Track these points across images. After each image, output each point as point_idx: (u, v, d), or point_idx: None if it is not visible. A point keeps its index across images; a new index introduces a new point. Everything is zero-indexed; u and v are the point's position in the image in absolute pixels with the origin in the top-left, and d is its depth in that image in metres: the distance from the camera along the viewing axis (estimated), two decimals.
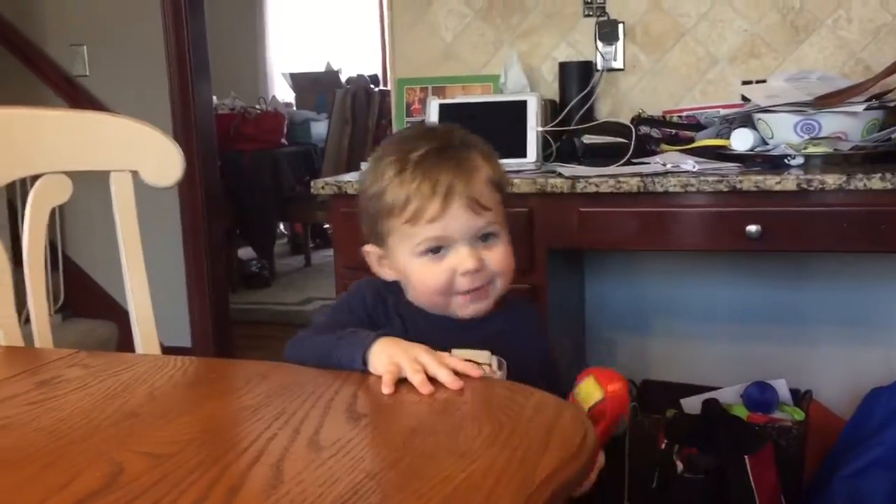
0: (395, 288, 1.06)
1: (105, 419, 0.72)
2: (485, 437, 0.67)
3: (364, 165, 1.10)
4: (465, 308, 1.03)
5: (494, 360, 0.98)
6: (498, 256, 1.03)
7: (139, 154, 1.22)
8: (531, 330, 1.13)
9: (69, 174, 1.18)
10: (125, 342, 3.28)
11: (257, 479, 0.60)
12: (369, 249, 1.06)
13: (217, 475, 0.61)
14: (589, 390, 0.93)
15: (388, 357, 0.82)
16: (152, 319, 1.23)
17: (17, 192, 2.63)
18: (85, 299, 3.44)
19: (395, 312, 1.04)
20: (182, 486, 0.59)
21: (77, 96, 3.33)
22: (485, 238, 1.02)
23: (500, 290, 1.04)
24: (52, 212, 1.17)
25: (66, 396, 0.79)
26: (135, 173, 1.22)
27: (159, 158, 1.23)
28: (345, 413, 0.74)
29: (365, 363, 0.83)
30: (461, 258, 1.00)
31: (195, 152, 3.25)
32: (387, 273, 1.06)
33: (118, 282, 1.24)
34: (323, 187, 1.95)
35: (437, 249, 1.00)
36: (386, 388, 0.78)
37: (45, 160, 1.17)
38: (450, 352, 0.93)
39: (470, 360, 0.91)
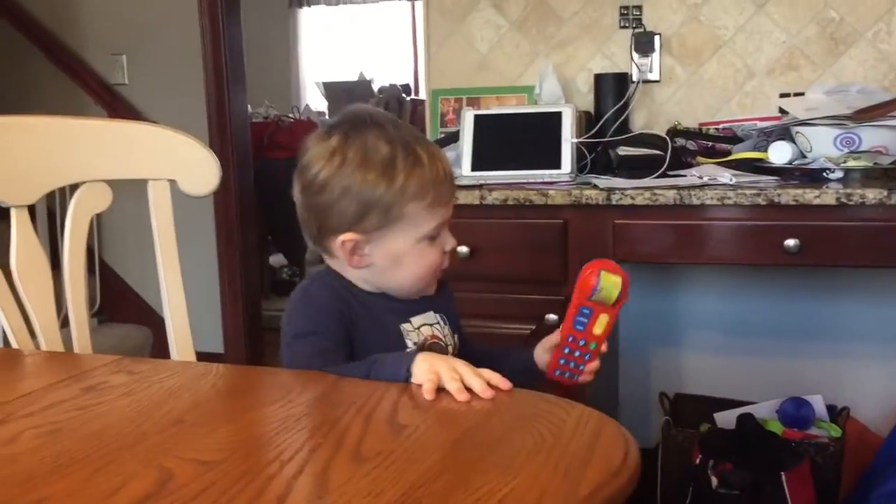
0: (342, 279, 1.07)
1: (152, 426, 0.73)
2: (527, 450, 0.67)
3: (324, 155, 1.03)
4: (434, 284, 1.11)
5: (439, 317, 1.11)
6: None
7: (177, 163, 1.23)
8: (450, 294, 1.19)
9: (108, 182, 1.20)
10: (159, 347, 3.33)
11: (303, 490, 0.61)
12: (350, 238, 1.04)
13: (263, 484, 0.61)
14: (612, 281, 1.04)
15: (428, 366, 0.84)
16: (188, 326, 1.24)
17: (56, 199, 2.68)
18: (120, 304, 3.49)
19: (355, 303, 1.06)
20: (230, 493, 0.60)
21: (116, 104, 3.39)
22: None
23: None
24: (90, 218, 1.19)
25: (112, 402, 0.80)
26: (172, 182, 1.23)
27: (196, 168, 1.24)
28: (386, 423, 0.74)
29: (409, 371, 0.85)
30: (448, 239, 1.08)
31: (230, 160, 3.29)
32: (357, 261, 1.05)
33: (153, 287, 1.26)
34: None
35: (438, 232, 1.06)
36: (428, 395, 0.80)
37: (87, 169, 1.19)
38: (410, 322, 1.08)
39: (425, 324, 1.09)
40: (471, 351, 1.13)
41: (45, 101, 3.46)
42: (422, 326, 1.09)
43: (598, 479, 0.61)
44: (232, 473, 0.63)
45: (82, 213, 1.18)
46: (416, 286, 1.08)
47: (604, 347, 1.09)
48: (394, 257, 1.05)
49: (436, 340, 1.09)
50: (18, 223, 1.12)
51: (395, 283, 1.08)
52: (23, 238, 1.12)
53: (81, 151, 1.19)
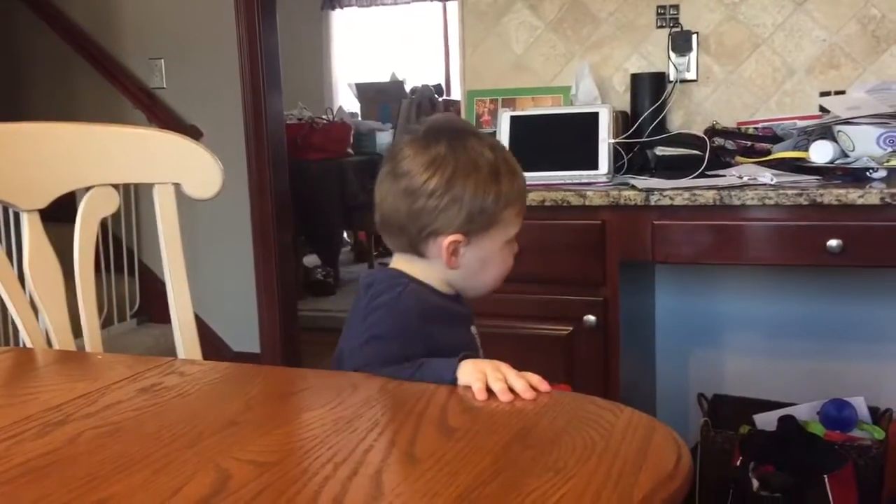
0: (423, 284, 1.08)
1: (207, 427, 0.75)
2: (578, 453, 0.67)
3: (431, 162, 1.05)
4: None
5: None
6: None
7: (181, 167, 1.26)
8: None
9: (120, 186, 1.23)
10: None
11: (359, 491, 0.62)
12: (456, 239, 1.06)
13: (319, 485, 0.62)
14: None
15: (474, 367, 0.86)
16: (193, 324, 1.27)
17: None
18: (159, 305, 3.53)
19: (438, 310, 1.08)
20: (288, 494, 0.61)
21: (154, 108, 3.44)
22: None
23: None
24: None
25: (167, 403, 0.82)
26: (177, 185, 1.26)
27: (200, 172, 1.27)
28: (437, 425, 0.75)
29: (454, 374, 0.86)
30: (515, 244, 1.12)
31: (266, 161, 3.33)
32: (454, 262, 1.07)
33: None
34: None
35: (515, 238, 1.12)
36: (479, 395, 0.82)
37: (96, 174, 1.22)
38: (472, 328, 1.13)
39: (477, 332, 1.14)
40: None
41: (86, 106, 3.53)
42: (477, 334, 1.14)
43: (651, 483, 0.62)
44: (288, 475, 0.65)
45: (90, 217, 1.20)
46: (494, 287, 1.13)
47: None
48: (483, 260, 1.09)
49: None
50: (31, 228, 1.15)
51: (479, 285, 1.11)
52: (35, 242, 1.15)
53: (91, 157, 1.22)
